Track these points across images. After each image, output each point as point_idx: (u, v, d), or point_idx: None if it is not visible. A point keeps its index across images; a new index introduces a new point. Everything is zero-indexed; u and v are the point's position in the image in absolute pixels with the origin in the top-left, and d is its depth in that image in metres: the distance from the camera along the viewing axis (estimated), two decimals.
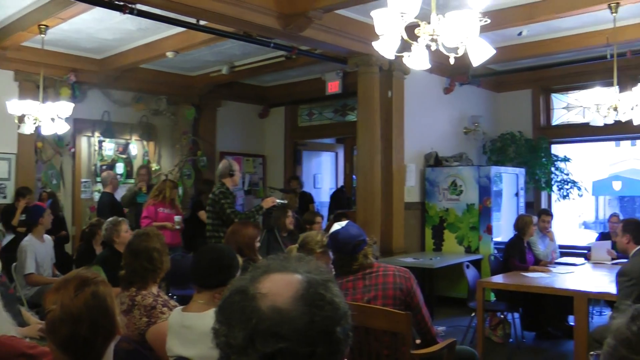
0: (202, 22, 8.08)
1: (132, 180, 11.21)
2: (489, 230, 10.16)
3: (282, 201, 8.10)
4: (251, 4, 7.40)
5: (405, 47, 4.79)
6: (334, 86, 10.96)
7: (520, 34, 9.77)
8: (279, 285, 1.45)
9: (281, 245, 7.74)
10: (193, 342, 3.36)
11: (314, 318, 1.40)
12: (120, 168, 11.46)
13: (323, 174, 14.21)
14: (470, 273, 8.07)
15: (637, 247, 5.79)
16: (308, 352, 1.38)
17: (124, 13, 7.30)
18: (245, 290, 1.47)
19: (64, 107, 8.41)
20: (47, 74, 9.44)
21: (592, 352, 1.69)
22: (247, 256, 5.30)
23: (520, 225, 8.60)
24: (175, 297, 6.55)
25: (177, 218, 9.04)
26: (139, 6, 7.33)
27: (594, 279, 7.83)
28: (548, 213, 9.47)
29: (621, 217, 9.91)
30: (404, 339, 4.35)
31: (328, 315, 1.42)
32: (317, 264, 1.57)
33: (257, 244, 5.72)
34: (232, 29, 8.29)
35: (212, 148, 12.59)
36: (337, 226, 4.64)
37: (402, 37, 4.62)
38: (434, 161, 10.64)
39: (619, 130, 10.74)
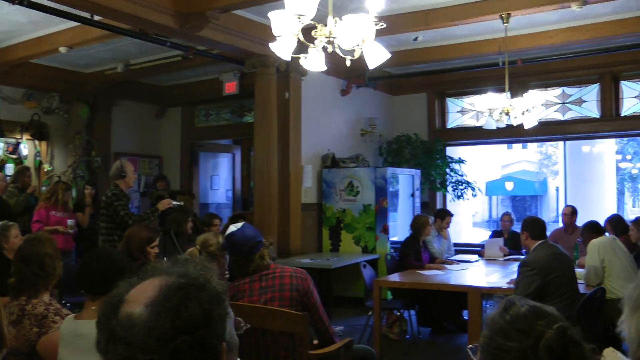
0: (96, 18, 7.85)
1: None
2: (386, 230, 10.30)
3: (178, 203, 7.99)
4: (147, 1, 7.26)
5: (302, 48, 4.81)
6: (231, 87, 10.88)
7: (415, 39, 9.97)
8: (141, 292, 1.44)
9: (178, 249, 7.62)
10: (86, 351, 3.22)
11: (151, 325, 1.37)
12: (10, 169, 10.97)
13: (220, 175, 14.10)
14: (367, 273, 8.15)
15: (537, 242, 6.11)
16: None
17: (14, 4, 7.03)
18: (118, 294, 1.46)
19: None
20: None
21: (469, 345, 1.74)
22: (140, 260, 5.21)
23: (417, 225, 8.76)
24: (68, 304, 6.38)
25: (70, 222, 8.81)
26: None
27: (487, 274, 8.12)
28: (450, 214, 9.67)
29: (513, 216, 10.28)
30: (302, 339, 4.36)
31: (165, 322, 1.38)
32: (203, 268, 1.54)
33: (155, 249, 5.60)
34: (128, 26, 8.10)
35: (107, 148, 12.23)
36: (233, 228, 4.59)
37: (299, 38, 4.64)
38: (331, 162, 10.70)
39: (511, 134, 11.11)
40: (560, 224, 9.93)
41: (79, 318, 3.42)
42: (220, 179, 14.13)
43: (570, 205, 10.18)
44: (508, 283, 6.77)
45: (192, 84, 12.56)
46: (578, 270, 6.71)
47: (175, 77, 12.28)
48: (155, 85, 12.88)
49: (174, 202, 7.80)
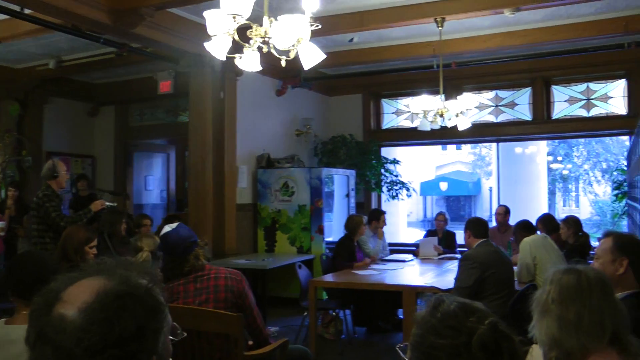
0: (27, 11, 7.63)
1: None
2: (321, 231, 10.32)
3: (111, 204, 7.86)
4: None
5: (237, 48, 4.79)
6: (165, 86, 10.76)
7: (351, 40, 10.00)
8: (77, 294, 1.39)
9: (111, 250, 7.51)
10: (18, 356, 3.15)
11: (81, 334, 1.32)
12: None
13: (154, 175, 13.94)
14: (303, 273, 8.17)
15: (479, 240, 6.35)
16: None
17: None
18: (55, 289, 1.41)
19: None
20: None
21: (399, 345, 1.75)
22: (74, 262, 5.11)
23: (351, 226, 8.82)
24: None
25: (0, 224, 8.60)
26: None
27: (421, 273, 8.22)
28: (382, 212, 9.77)
29: (447, 216, 10.43)
30: (236, 341, 4.34)
31: (96, 334, 1.33)
32: (146, 274, 1.50)
33: (93, 249, 5.50)
34: (60, 21, 7.91)
35: (38, 147, 11.90)
36: (167, 228, 4.55)
37: (234, 38, 4.61)
38: (266, 163, 10.66)
39: (445, 135, 11.28)
40: (494, 223, 10.09)
41: (9, 323, 3.31)
42: (154, 179, 13.98)
43: (503, 205, 10.37)
44: None
45: (127, 82, 12.36)
46: None
47: (109, 74, 12.05)
48: (89, 82, 12.64)
49: (107, 203, 7.67)
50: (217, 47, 4.70)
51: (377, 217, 9.61)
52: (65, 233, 5.56)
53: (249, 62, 4.89)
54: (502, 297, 6.06)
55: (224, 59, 4.84)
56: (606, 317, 2.42)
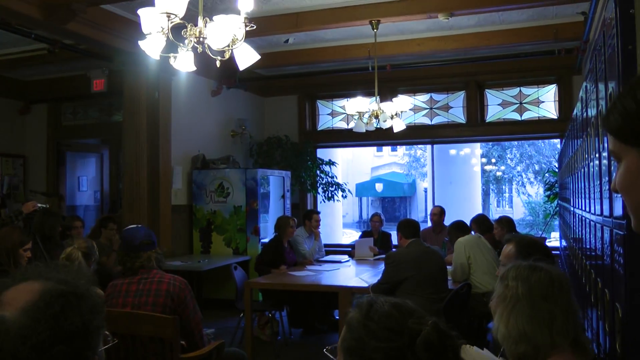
0: None
1: None
2: (256, 232, 10.29)
3: (43, 205, 7.69)
4: None
5: (172, 48, 4.74)
6: (99, 84, 10.60)
7: (286, 41, 10.00)
8: (18, 295, 1.39)
9: (44, 253, 7.34)
10: None
11: (27, 332, 1.31)
12: None
13: (88, 176, 13.70)
14: (238, 274, 8.14)
15: (409, 241, 6.55)
16: None
17: None
18: None
19: None
20: None
21: (327, 348, 1.74)
22: (4, 265, 5.01)
23: (278, 226, 8.88)
24: None
25: None
26: None
27: (357, 274, 8.26)
28: (316, 212, 9.78)
29: (382, 217, 10.50)
30: (172, 344, 4.31)
31: (44, 330, 1.33)
32: (75, 274, 1.50)
33: (28, 252, 5.41)
34: None
35: None
36: (130, 226, 4.87)
37: (168, 37, 4.56)
38: (201, 164, 10.59)
39: (380, 137, 11.40)
40: (429, 224, 10.20)
41: None
42: (88, 180, 13.74)
43: (438, 206, 10.49)
44: None
45: (59, 80, 12.07)
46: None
47: (41, 71, 11.75)
48: (19, 79, 12.33)
49: (39, 205, 7.51)
50: (152, 46, 4.65)
51: (310, 217, 9.64)
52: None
53: (184, 62, 4.85)
54: (426, 296, 6.21)
55: (158, 58, 4.79)
56: (571, 316, 2.47)
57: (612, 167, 2.84)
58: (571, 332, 2.46)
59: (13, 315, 1.33)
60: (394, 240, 10.33)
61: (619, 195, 1.37)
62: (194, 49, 4.71)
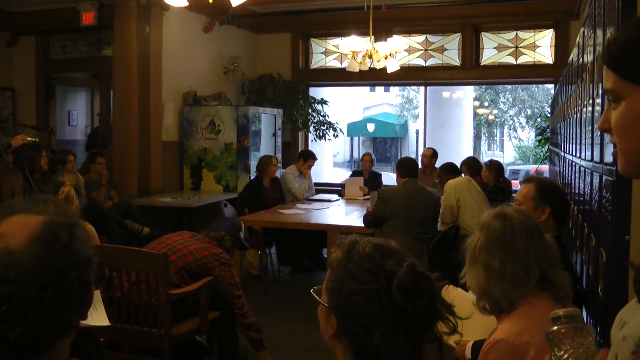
0: None
1: None
2: (247, 170, 10.29)
3: (33, 139, 7.65)
4: None
5: None
6: (89, 17, 10.39)
7: None
8: (16, 227, 1.38)
9: (33, 187, 7.34)
10: None
11: (43, 261, 1.34)
12: None
13: (78, 110, 13.61)
14: (229, 211, 8.18)
15: (404, 180, 6.68)
16: (36, 297, 1.31)
17: None
18: None
19: None
20: None
21: (313, 288, 1.73)
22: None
23: (259, 166, 8.93)
24: None
25: None
26: None
27: (347, 213, 8.34)
28: (313, 157, 9.74)
29: (373, 157, 10.51)
30: (162, 279, 4.36)
31: (60, 258, 1.36)
32: (63, 207, 1.51)
33: None
34: None
35: None
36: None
37: None
38: (193, 100, 10.52)
39: (374, 77, 11.34)
40: (420, 165, 10.21)
41: None
42: (78, 114, 13.65)
43: (430, 148, 10.48)
44: None
45: (48, 12, 11.78)
46: None
47: (29, 2, 11.48)
48: (6, 10, 12.08)
49: (29, 138, 7.47)
50: None
51: (306, 158, 9.63)
52: (1, 174, 5.48)
53: None
54: (412, 235, 6.37)
55: None
56: (532, 262, 2.45)
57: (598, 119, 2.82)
58: (531, 277, 2.44)
59: (21, 246, 1.34)
60: (384, 180, 10.41)
61: (605, 134, 1.33)
62: None
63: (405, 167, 6.77)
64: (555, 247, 2.58)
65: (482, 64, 11.81)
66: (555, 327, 1.61)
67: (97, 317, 3.34)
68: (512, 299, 2.43)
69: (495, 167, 8.48)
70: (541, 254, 2.48)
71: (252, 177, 10.21)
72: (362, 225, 6.90)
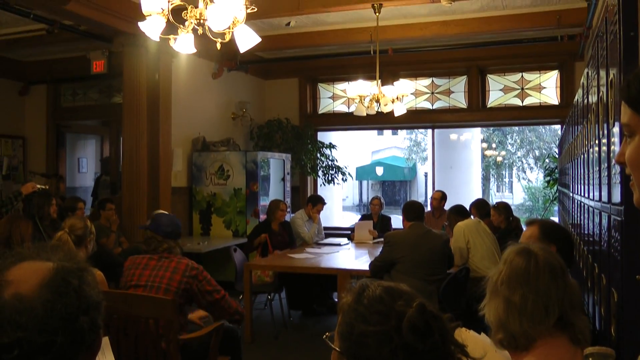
0: None
1: None
2: (256, 214, 10.31)
3: (42, 186, 7.69)
4: None
5: (172, 29, 4.73)
6: (99, 65, 10.54)
7: (288, 24, 9.95)
8: (27, 273, 1.40)
9: (43, 234, 7.36)
10: None
11: (55, 306, 1.35)
12: None
13: (88, 158, 13.69)
14: (238, 256, 8.19)
15: (410, 223, 6.65)
16: (47, 341, 1.32)
17: None
18: None
19: None
20: None
21: (325, 335, 1.73)
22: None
23: (268, 210, 8.97)
24: None
25: None
26: None
27: (356, 257, 8.31)
28: (322, 202, 9.74)
29: (382, 200, 10.51)
30: (171, 324, 4.35)
31: (71, 303, 1.38)
32: (72, 253, 1.53)
33: None
34: None
35: None
36: (161, 211, 5.35)
37: (168, 19, 4.55)
38: (202, 146, 10.58)
39: (381, 121, 11.38)
40: (429, 208, 10.20)
41: None
42: (88, 161, 13.73)
43: (439, 190, 10.49)
44: None
45: (58, 61, 11.99)
46: None
47: (40, 52, 11.65)
48: (18, 60, 12.27)
49: (39, 186, 7.52)
50: (151, 28, 4.63)
51: (314, 202, 9.64)
52: (12, 221, 5.51)
53: (184, 43, 4.84)
54: (420, 277, 6.32)
55: (158, 39, 4.77)
56: (553, 301, 2.43)
57: (612, 154, 2.83)
58: (551, 316, 2.42)
59: (32, 292, 1.35)
60: (394, 223, 10.40)
61: (618, 171, 1.37)
62: (195, 30, 4.69)
63: (411, 210, 6.77)
64: (578, 290, 2.55)
65: (488, 105, 11.87)
66: None
67: None
68: (529, 336, 2.41)
69: (504, 208, 8.47)
70: (562, 294, 2.45)
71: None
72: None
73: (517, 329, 2.40)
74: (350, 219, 19.65)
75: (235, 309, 4.89)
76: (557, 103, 11.40)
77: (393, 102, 8.48)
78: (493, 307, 2.49)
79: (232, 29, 4.53)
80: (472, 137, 20.02)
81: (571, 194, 6.26)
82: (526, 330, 2.39)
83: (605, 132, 2.98)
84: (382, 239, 9.23)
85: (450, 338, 1.55)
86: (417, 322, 1.50)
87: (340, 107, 12.91)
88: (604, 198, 3.11)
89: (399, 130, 30.98)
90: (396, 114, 8.60)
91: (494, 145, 30.29)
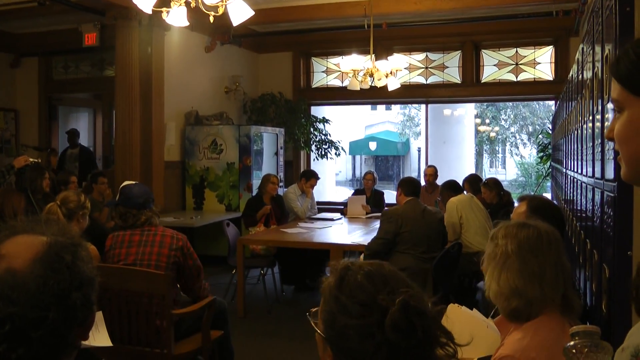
0: None
1: None
2: (249, 189, 10.30)
3: (35, 160, 7.65)
4: None
5: (164, 2, 4.69)
6: (91, 38, 10.44)
7: None
8: (20, 248, 1.40)
9: (35, 208, 7.33)
10: None
11: (48, 282, 1.34)
12: None
13: (80, 131, 13.61)
14: (231, 231, 8.19)
15: (407, 198, 6.68)
16: (39, 317, 1.32)
17: None
18: None
19: None
20: None
21: (311, 310, 1.72)
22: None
23: (260, 184, 8.98)
24: None
25: None
26: None
27: (349, 232, 8.32)
28: (316, 176, 9.71)
29: (375, 175, 10.51)
30: (164, 298, 4.35)
31: (64, 278, 1.37)
32: (66, 227, 1.52)
33: None
34: None
35: None
36: (127, 182, 4.98)
37: None
38: (195, 120, 10.55)
39: (375, 95, 11.37)
40: (422, 183, 10.21)
41: None
42: (80, 134, 13.66)
43: (432, 166, 10.51)
44: None
45: (50, 33, 11.84)
46: None
47: (32, 24, 11.48)
48: (9, 32, 12.14)
49: (31, 159, 7.47)
50: (144, 0, 4.59)
51: (307, 177, 9.63)
52: (4, 195, 5.49)
53: (177, 17, 4.80)
54: (417, 255, 6.35)
55: (150, 12, 4.74)
56: (561, 271, 2.49)
57: (606, 129, 2.82)
58: (561, 286, 2.48)
59: (24, 267, 1.35)
60: (387, 198, 10.41)
61: (612, 147, 1.37)
62: (187, 3, 4.66)
63: (410, 185, 6.82)
64: (569, 265, 2.62)
65: (482, 81, 11.84)
66: (572, 342, 1.61)
67: (99, 337, 3.34)
68: (546, 302, 2.45)
69: (494, 184, 8.51)
70: (564, 269, 2.53)
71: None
72: (364, 243, 6.86)
73: (538, 294, 2.43)
74: (343, 194, 19.65)
75: (204, 294, 4.82)
76: (551, 79, 11.39)
77: (387, 76, 8.46)
78: (503, 279, 2.51)
79: (226, 2, 4.50)
80: (466, 113, 20.01)
81: (564, 170, 6.26)
82: (545, 295, 2.43)
83: (600, 108, 2.97)
84: (375, 214, 9.30)
85: (434, 331, 1.54)
86: (400, 321, 1.48)
87: (333, 81, 12.86)
88: (597, 174, 3.11)
89: (392, 105, 30.90)
90: (390, 89, 8.58)
91: (487, 121, 30.28)
